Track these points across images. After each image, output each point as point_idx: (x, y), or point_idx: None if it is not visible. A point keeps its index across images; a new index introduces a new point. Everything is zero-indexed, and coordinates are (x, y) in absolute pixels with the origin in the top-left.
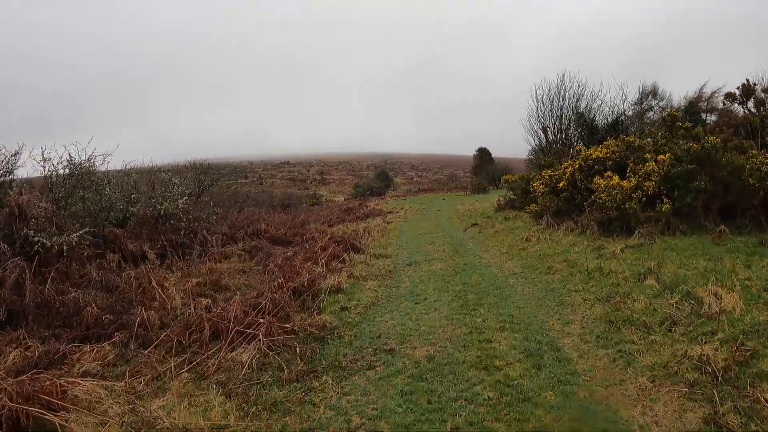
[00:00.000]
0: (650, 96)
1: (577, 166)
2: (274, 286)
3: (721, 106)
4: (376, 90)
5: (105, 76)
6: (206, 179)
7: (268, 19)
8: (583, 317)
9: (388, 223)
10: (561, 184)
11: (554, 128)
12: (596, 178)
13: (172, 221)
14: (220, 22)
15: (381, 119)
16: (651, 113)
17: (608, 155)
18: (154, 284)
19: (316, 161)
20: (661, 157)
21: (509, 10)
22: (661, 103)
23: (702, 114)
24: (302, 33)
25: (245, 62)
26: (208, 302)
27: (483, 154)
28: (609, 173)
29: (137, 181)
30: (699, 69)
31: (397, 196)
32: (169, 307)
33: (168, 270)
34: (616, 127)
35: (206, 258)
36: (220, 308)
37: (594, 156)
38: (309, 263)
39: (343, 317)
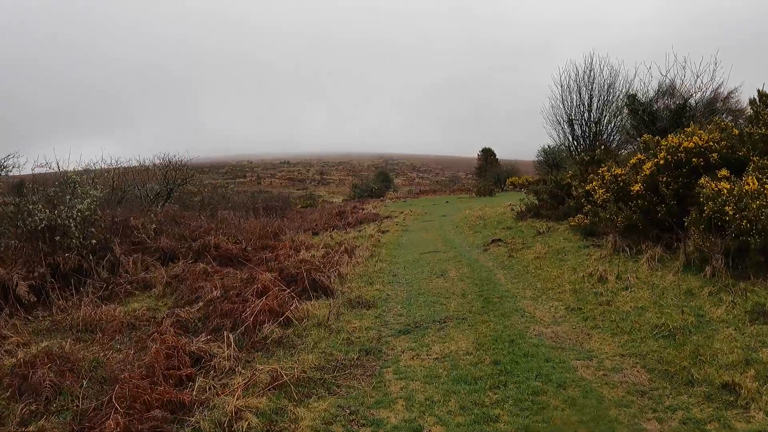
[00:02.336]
0: (666, 95)
1: (661, 161)
2: None
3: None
4: (414, 97)
5: (142, 68)
6: (177, 177)
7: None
8: None
9: (382, 232)
10: (635, 188)
11: (582, 119)
12: (705, 180)
13: (57, 237)
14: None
15: (414, 124)
16: (668, 113)
17: (709, 145)
18: None
19: (316, 161)
20: None
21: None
22: (678, 102)
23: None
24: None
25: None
26: None
27: (487, 155)
28: (724, 172)
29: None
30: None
31: (396, 197)
32: None
33: (45, 311)
34: (684, 112)
35: (111, 290)
36: None
37: (688, 146)
38: (202, 338)
39: None
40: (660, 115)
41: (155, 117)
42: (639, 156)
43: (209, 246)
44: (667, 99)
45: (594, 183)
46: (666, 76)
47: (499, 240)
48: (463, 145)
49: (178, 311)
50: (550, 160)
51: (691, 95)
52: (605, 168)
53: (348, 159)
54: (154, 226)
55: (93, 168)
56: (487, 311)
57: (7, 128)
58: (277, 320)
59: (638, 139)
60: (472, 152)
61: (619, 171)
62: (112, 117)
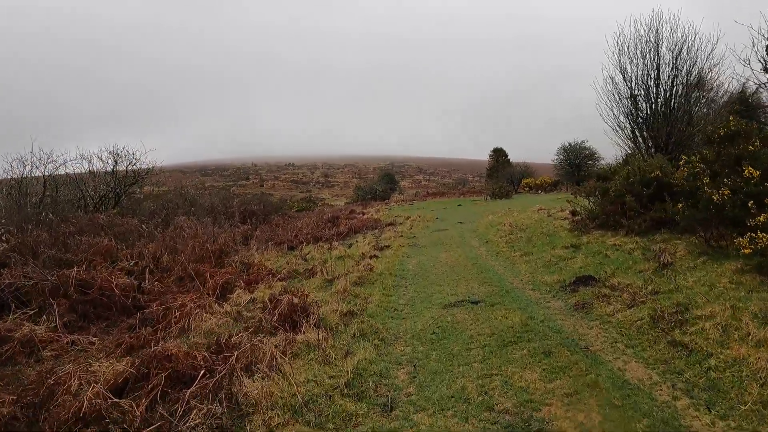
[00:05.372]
0: (695, 88)
1: None
2: None
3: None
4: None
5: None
6: (127, 179)
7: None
8: None
9: (381, 249)
10: None
11: (649, 93)
12: None
13: None
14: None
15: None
16: (696, 108)
17: None
18: None
19: (321, 163)
20: None
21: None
22: (709, 95)
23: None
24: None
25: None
26: None
27: (499, 155)
28: None
29: None
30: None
31: (402, 200)
32: None
33: None
34: None
35: None
36: None
37: None
38: None
39: None
40: None
41: (199, 116)
42: None
43: (68, 283)
44: None
45: None
46: None
47: (593, 278)
48: (470, 148)
49: None
50: (571, 158)
51: None
52: None
53: (354, 161)
54: (5, 245)
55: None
56: None
57: (65, 127)
58: None
59: None
60: (480, 155)
61: None
62: (160, 117)
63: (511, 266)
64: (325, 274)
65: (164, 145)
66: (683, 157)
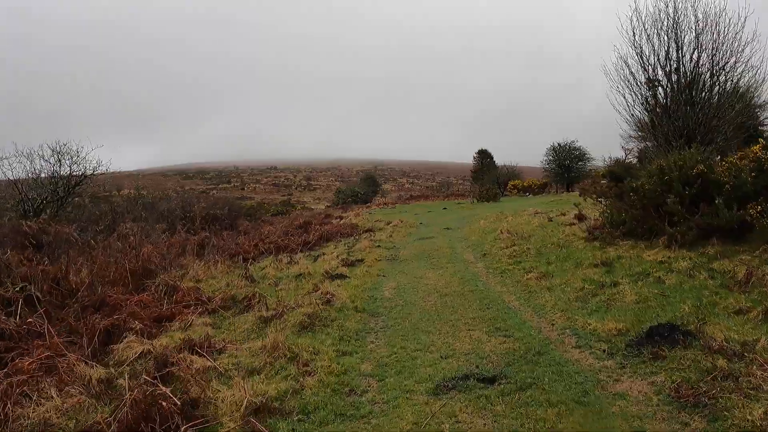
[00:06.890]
0: (722, 71)
1: None
2: None
3: None
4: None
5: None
6: (71, 180)
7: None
8: None
9: (351, 265)
10: None
11: (671, 76)
12: None
13: None
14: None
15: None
16: (723, 93)
17: None
18: None
19: (304, 167)
20: None
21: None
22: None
23: None
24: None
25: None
26: None
27: (484, 157)
28: None
29: None
30: None
31: (385, 203)
32: None
33: None
34: None
35: None
36: None
37: None
38: None
39: None
40: None
41: (188, 122)
42: None
43: None
44: None
45: None
46: None
47: (676, 329)
48: (453, 151)
49: None
50: (561, 159)
51: None
52: None
53: (337, 165)
54: None
55: None
56: None
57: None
58: None
59: None
60: (463, 158)
61: None
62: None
63: (528, 296)
64: (264, 308)
65: (148, 149)
66: (760, 140)
